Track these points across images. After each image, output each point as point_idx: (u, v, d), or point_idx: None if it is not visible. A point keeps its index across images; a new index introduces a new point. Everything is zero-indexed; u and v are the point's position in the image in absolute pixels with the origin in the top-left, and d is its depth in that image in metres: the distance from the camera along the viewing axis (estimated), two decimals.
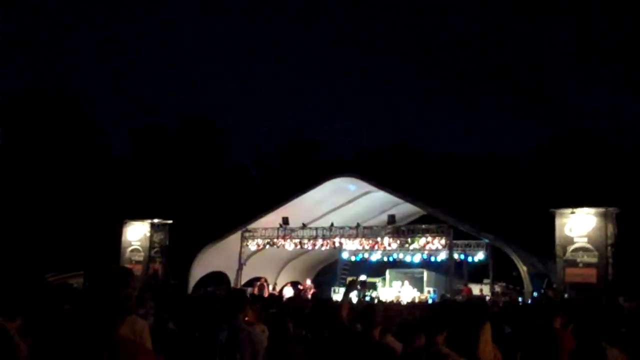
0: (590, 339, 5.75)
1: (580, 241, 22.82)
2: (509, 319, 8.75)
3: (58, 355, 2.82)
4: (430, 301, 24.55)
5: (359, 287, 8.47)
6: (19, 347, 4.11)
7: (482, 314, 5.49)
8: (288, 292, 27.13)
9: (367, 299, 23.88)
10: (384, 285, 29.57)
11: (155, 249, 29.90)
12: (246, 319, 6.07)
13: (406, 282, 27.59)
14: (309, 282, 29.27)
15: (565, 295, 20.08)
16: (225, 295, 6.46)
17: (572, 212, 23.10)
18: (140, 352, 2.87)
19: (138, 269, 28.29)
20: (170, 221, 30.24)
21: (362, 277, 23.48)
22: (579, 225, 22.91)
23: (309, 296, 24.62)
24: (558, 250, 23.13)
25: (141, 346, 2.91)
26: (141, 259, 29.82)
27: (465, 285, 26.65)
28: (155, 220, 30.16)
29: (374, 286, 28.75)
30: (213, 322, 5.51)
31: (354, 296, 23.58)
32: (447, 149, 53.98)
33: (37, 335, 4.07)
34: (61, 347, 2.82)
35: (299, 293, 26.23)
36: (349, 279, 28.10)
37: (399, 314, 7.30)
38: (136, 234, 30.33)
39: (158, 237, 30.03)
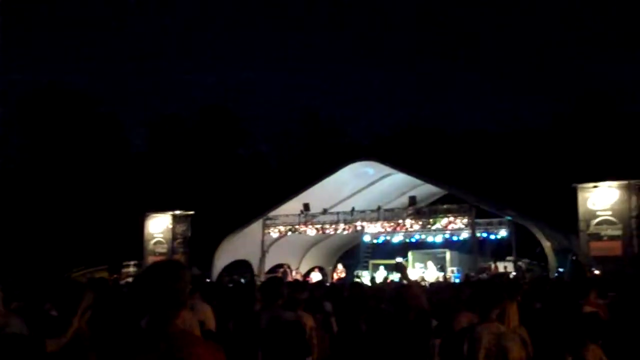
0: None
1: (604, 214, 22.74)
2: (540, 295, 8.73)
3: (116, 348, 2.86)
4: (455, 280, 24.52)
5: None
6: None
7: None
8: (315, 277, 27.22)
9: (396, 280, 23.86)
10: (406, 266, 29.55)
11: (178, 240, 30.07)
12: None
13: (429, 263, 27.56)
14: (340, 267, 29.25)
15: (594, 270, 20.00)
16: (263, 284, 6.49)
17: (595, 186, 23.01)
18: (197, 342, 2.90)
19: (158, 260, 28.40)
20: (191, 212, 30.38)
21: (398, 259, 23.51)
22: (602, 199, 22.84)
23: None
24: (581, 224, 23.05)
25: (197, 337, 2.94)
26: (164, 250, 29.99)
27: (494, 263, 26.51)
28: (177, 212, 30.30)
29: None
30: (252, 311, 5.54)
31: (380, 278, 23.72)
32: (466, 127, 53.54)
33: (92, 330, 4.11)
34: (118, 341, 2.86)
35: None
36: (378, 263, 28.26)
37: (434, 294, 7.32)
38: (158, 226, 30.50)
39: (180, 228, 30.18)
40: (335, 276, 27.94)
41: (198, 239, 30.29)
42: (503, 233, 26.80)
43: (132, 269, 29.98)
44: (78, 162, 42.37)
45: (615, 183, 22.85)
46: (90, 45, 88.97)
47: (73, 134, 43.72)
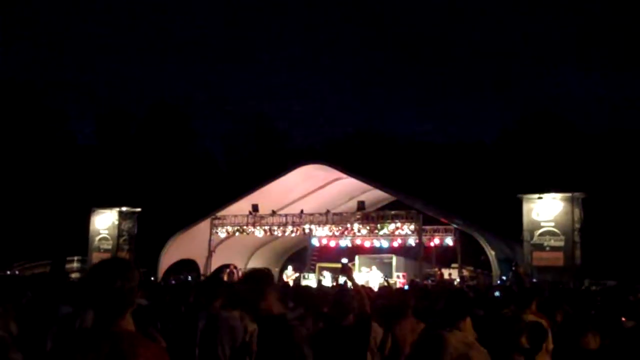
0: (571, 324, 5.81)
1: (547, 225, 23.17)
2: (482, 303, 8.85)
3: (57, 347, 2.77)
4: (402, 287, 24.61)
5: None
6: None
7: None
8: None
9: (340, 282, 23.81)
10: (352, 268, 29.51)
11: (124, 237, 29.72)
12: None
13: (373, 268, 27.60)
14: (290, 269, 28.90)
15: (534, 280, 20.33)
16: (201, 283, 6.42)
17: (539, 198, 23.41)
18: (142, 343, 2.82)
19: (107, 258, 28.00)
20: (138, 209, 30.06)
21: (344, 260, 23.34)
22: (545, 210, 23.26)
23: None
24: (525, 234, 23.43)
25: (142, 337, 2.86)
26: (109, 247, 29.59)
27: (440, 270, 26.72)
28: (124, 209, 29.95)
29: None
30: (191, 311, 5.49)
31: (328, 281, 23.70)
32: (416, 136, 54.07)
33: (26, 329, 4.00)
34: (60, 340, 2.79)
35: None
36: (323, 265, 28.21)
37: (377, 298, 7.33)
38: (104, 222, 30.09)
39: (126, 225, 29.84)
40: (286, 279, 27.63)
41: (144, 237, 29.97)
42: (449, 240, 27.05)
43: (75, 265, 29.51)
44: (23, 153, 41.48)
45: (559, 195, 23.29)
46: (41, 37, 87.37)
47: (18, 125, 42.78)
